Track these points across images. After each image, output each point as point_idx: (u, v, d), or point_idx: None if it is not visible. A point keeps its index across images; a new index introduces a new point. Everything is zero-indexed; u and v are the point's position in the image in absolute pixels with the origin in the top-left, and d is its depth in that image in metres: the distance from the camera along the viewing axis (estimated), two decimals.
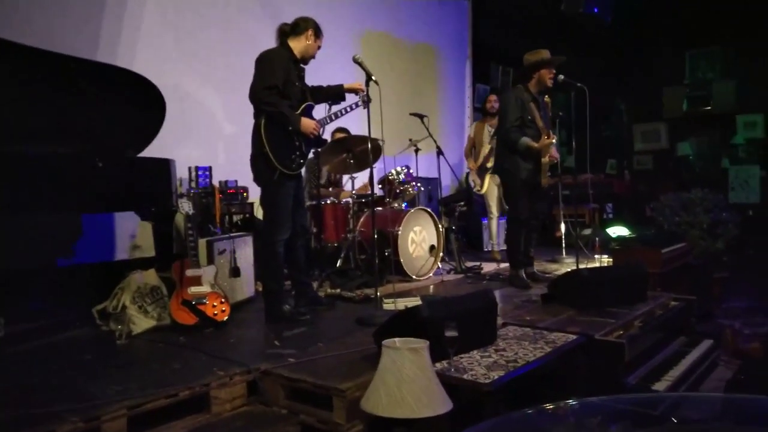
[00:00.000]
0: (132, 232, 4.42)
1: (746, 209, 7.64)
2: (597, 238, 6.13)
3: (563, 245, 5.98)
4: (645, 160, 9.37)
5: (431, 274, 5.03)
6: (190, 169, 4.52)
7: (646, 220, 6.61)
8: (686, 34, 8.59)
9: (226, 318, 3.32)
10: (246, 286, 4.04)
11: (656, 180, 8.70)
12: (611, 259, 4.98)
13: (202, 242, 3.66)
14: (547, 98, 4.64)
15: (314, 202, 4.88)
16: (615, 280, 3.62)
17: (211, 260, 3.67)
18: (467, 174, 6.35)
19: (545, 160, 4.36)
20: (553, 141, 4.39)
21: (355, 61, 3.61)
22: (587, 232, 6.41)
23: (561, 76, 4.40)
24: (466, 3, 8.21)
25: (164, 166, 3.71)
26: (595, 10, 5.07)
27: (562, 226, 6.04)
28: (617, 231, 5.65)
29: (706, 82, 8.69)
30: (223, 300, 3.36)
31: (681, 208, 5.46)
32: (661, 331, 3.44)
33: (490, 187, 6.07)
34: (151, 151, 3.93)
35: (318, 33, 3.61)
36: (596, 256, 5.51)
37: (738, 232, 5.35)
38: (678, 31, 8.57)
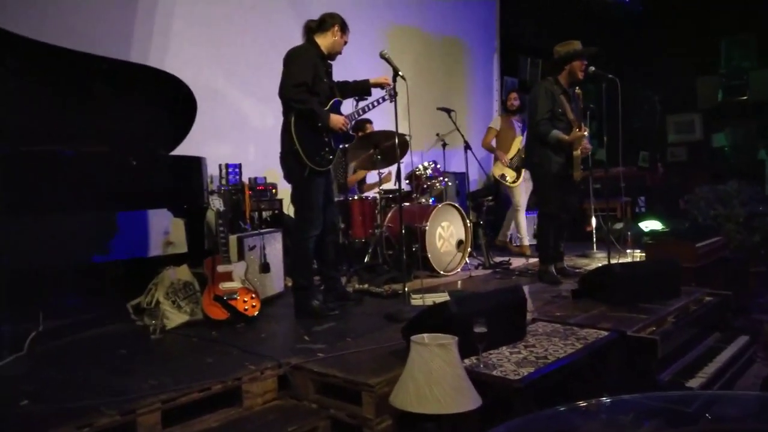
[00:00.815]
0: (165, 229, 4.52)
1: None
2: (629, 233, 6.02)
3: (594, 240, 5.89)
4: (679, 151, 9.16)
5: (459, 270, 5.02)
6: (220, 166, 4.60)
7: (680, 213, 6.47)
8: (721, 22, 8.35)
9: (256, 313, 3.37)
10: (275, 281, 4.08)
11: (690, 172, 8.50)
12: (644, 254, 4.89)
13: (232, 238, 3.72)
14: (578, 90, 4.56)
15: (342, 198, 4.91)
16: (647, 275, 3.55)
17: (241, 256, 3.72)
18: (495, 166, 6.24)
19: (577, 152, 4.30)
20: (585, 133, 4.32)
21: (382, 56, 3.61)
22: (619, 226, 6.30)
23: (592, 68, 4.33)
24: None
25: (196, 163, 3.78)
26: (626, 0, 4.96)
27: (593, 221, 5.94)
28: (650, 225, 5.54)
29: (742, 71, 8.43)
30: (253, 295, 3.40)
31: (716, 201, 5.33)
32: (696, 327, 3.37)
33: (520, 180, 6.02)
34: (182, 149, 4.01)
35: (344, 28, 3.62)
36: (628, 250, 5.41)
37: None
38: (712, 18, 8.32)
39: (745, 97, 8.40)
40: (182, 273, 3.54)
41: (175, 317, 3.38)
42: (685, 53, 8.63)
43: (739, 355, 3.27)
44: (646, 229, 5.46)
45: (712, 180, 6.70)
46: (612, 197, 6.27)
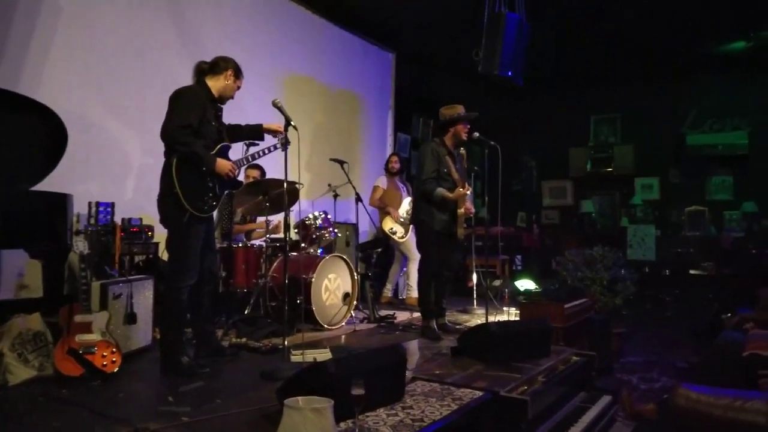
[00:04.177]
0: (19, 270, 4.05)
1: (643, 266, 8.16)
2: (506, 290, 6.29)
3: (474, 296, 6.09)
4: (552, 214, 9.87)
5: (344, 323, 4.94)
6: (90, 204, 4.23)
7: (552, 273, 6.88)
8: (591, 100, 9.28)
9: (116, 369, 3.07)
10: (142, 333, 3.76)
11: (562, 234, 9.16)
12: (519, 312, 5.10)
13: (95, 285, 3.40)
14: (462, 151, 4.79)
15: (225, 245, 4.71)
16: (521, 334, 3.67)
17: (104, 305, 3.40)
18: (385, 221, 6.34)
19: (461, 211, 4.47)
20: (468, 192, 4.51)
21: (275, 105, 3.56)
22: (497, 283, 6.58)
23: (476, 134, 4.56)
24: (390, 55, 8.43)
25: (60, 200, 3.47)
26: (509, 74, 5.35)
27: (474, 277, 6.15)
28: (524, 284, 5.82)
29: (608, 146, 9.37)
30: (114, 350, 3.10)
31: (583, 264, 5.70)
32: (564, 387, 3.51)
33: (408, 235, 6.17)
34: (50, 185, 3.67)
35: (238, 73, 3.55)
36: (505, 308, 5.63)
37: (635, 288, 5.65)
38: (584, 97, 9.23)
39: (610, 169, 9.29)
40: (33, 322, 3.18)
41: (20, 372, 3.00)
42: (560, 126, 9.46)
43: (602, 415, 3.43)
44: (521, 288, 5.73)
45: (580, 243, 7.23)
46: (491, 255, 6.55)
